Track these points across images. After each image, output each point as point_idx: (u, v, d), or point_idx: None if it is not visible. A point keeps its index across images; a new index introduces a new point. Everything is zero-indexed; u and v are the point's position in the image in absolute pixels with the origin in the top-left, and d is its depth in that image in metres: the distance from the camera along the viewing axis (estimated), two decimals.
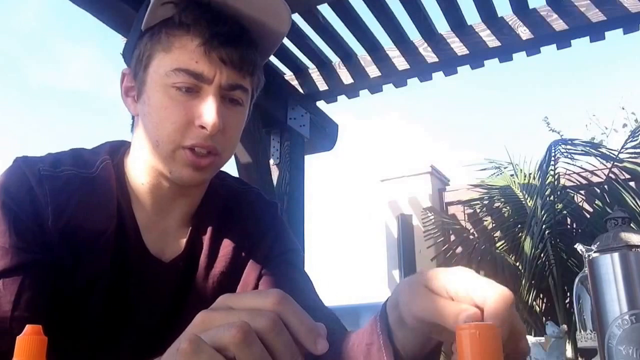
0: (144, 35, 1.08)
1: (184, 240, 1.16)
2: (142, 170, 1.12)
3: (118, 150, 1.18)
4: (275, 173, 3.61)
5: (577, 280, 2.24)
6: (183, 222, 1.17)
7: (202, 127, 1.02)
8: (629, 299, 0.44)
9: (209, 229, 1.18)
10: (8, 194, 1.02)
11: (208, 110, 1.02)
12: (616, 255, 0.43)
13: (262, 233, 1.23)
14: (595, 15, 3.17)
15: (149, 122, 1.07)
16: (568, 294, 3.68)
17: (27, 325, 0.60)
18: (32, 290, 0.98)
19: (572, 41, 3.44)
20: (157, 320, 1.13)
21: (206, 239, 1.17)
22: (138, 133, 1.12)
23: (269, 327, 0.59)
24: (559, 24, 3.26)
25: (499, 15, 3.38)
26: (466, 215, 5.07)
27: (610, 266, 0.46)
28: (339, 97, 4.02)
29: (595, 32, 3.33)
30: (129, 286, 1.09)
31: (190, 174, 1.06)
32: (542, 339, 2.70)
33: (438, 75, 3.79)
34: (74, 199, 1.05)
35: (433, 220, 4.75)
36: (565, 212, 4.14)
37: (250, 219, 1.24)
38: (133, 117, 1.17)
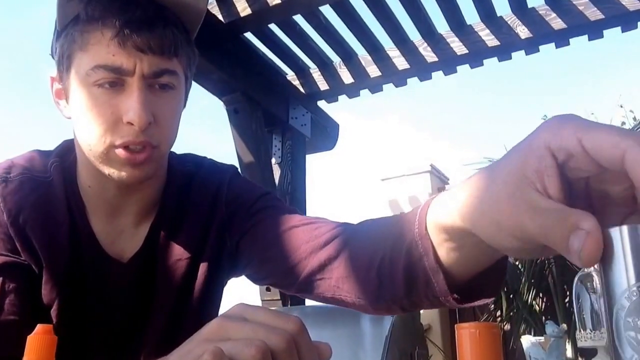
0: (60, 36, 1.03)
1: (142, 237, 1.12)
2: (86, 173, 1.08)
3: (70, 150, 1.13)
4: (277, 172, 3.62)
5: (576, 279, 2.24)
6: (139, 218, 1.13)
7: (131, 124, 0.96)
8: (637, 271, 0.45)
9: (167, 219, 1.14)
10: None
11: (133, 105, 0.96)
12: (625, 228, 0.43)
13: (215, 206, 1.16)
14: (594, 13, 3.17)
15: (79, 125, 1.02)
16: (568, 294, 3.68)
17: (38, 325, 0.60)
18: (13, 291, 0.98)
19: (570, 40, 3.44)
20: (125, 320, 1.11)
21: (164, 230, 1.13)
22: (76, 137, 1.07)
23: (284, 348, 0.59)
24: (557, 23, 3.26)
25: (498, 15, 3.38)
26: None
27: (619, 239, 0.46)
28: (339, 97, 4.02)
29: (594, 31, 3.33)
30: (89, 290, 1.08)
31: (130, 173, 1.00)
32: (542, 338, 2.71)
33: (438, 75, 3.79)
34: (27, 202, 1.04)
35: None
36: None
37: (202, 197, 1.18)
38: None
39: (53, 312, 1.04)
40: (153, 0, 1.00)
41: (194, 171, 1.21)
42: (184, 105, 1.14)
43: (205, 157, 1.28)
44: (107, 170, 1.00)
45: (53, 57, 1.09)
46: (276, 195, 1.25)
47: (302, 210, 3.63)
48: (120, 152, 0.98)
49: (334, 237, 1.01)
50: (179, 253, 1.13)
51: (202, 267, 1.14)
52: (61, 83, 1.06)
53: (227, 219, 1.15)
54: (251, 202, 1.15)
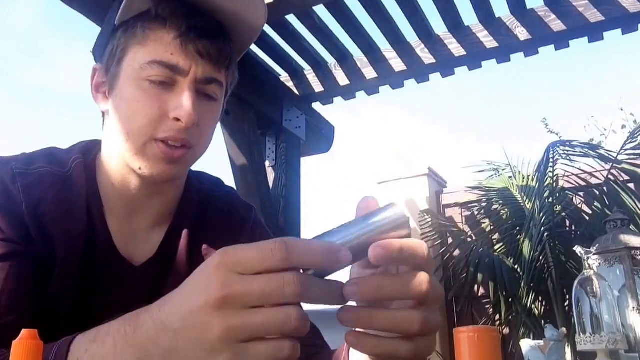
0: (117, 29, 1.07)
1: (157, 243, 1.15)
2: (112, 169, 1.11)
3: (91, 149, 1.16)
4: (271, 175, 3.60)
5: (576, 283, 2.22)
6: (156, 223, 1.16)
7: (177, 120, 1.01)
8: None
9: (184, 232, 1.17)
10: None
11: (184, 102, 1.01)
12: None
13: (237, 238, 1.20)
14: (594, 15, 3.17)
15: (120, 115, 1.06)
16: (567, 297, 3.66)
17: (22, 330, 0.58)
18: (18, 279, 0.97)
19: (570, 42, 3.43)
20: None
21: (181, 243, 1.16)
22: (108, 129, 1.11)
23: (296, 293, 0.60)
24: (557, 25, 3.25)
25: (497, 16, 3.38)
26: (464, 218, 5.06)
27: None
28: (335, 99, 4.01)
29: (594, 33, 3.32)
30: (99, 289, 1.08)
31: (162, 168, 1.04)
32: (541, 342, 2.68)
33: (435, 77, 3.78)
34: (48, 195, 1.05)
35: (430, 223, 4.73)
36: (564, 214, 4.12)
37: (225, 223, 1.23)
38: (103, 115, 1.15)
39: (60, 305, 1.04)
40: (216, 14, 1.07)
41: (211, 191, 1.27)
42: (218, 120, 1.20)
43: (221, 180, 1.34)
44: (140, 163, 1.04)
45: (95, 54, 1.16)
46: None
47: (297, 215, 3.61)
48: (159, 145, 1.02)
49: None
50: (194, 266, 1.14)
51: None
52: (106, 75, 1.10)
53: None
54: None
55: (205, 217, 1.21)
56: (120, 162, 1.08)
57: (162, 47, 1.02)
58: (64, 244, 1.04)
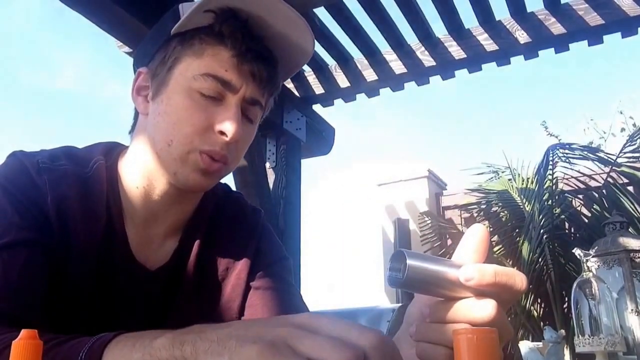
0: (172, 38, 1.10)
1: (170, 250, 1.16)
2: (138, 173, 1.12)
3: (112, 151, 1.17)
4: (271, 177, 3.60)
5: (575, 285, 2.23)
6: (172, 230, 1.17)
7: (222, 134, 1.04)
8: None
9: (197, 240, 1.18)
10: (9, 181, 1.03)
11: (231, 118, 1.04)
12: None
13: (246, 244, 1.23)
14: (594, 19, 3.17)
15: (164, 121, 1.07)
16: (566, 299, 3.66)
17: (22, 330, 0.58)
18: (35, 266, 0.98)
19: (570, 45, 3.43)
20: (142, 327, 1.11)
21: (194, 250, 1.17)
22: (142, 134, 1.13)
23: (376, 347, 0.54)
24: (557, 28, 3.25)
25: (497, 19, 3.38)
26: (463, 220, 5.06)
27: None
28: (335, 101, 4.01)
29: (594, 36, 3.32)
30: (113, 291, 1.09)
31: (198, 179, 1.06)
32: (540, 344, 2.69)
33: (435, 79, 3.78)
34: (71, 192, 1.06)
35: (430, 225, 4.73)
36: (563, 216, 4.13)
37: (235, 229, 1.24)
38: (135, 119, 1.18)
39: (75, 304, 1.05)
40: (269, 39, 1.10)
41: (222, 197, 1.27)
42: None
43: (229, 186, 1.35)
44: (176, 169, 1.06)
45: (138, 58, 1.18)
46: (290, 264, 1.33)
47: (297, 216, 3.61)
48: (203, 157, 1.04)
49: None
50: (203, 277, 1.17)
51: (225, 293, 1.18)
52: (153, 80, 1.11)
53: (253, 258, 1.22)
54: (273, 259, 1.25)
55: (216, 225, 1.23)
56: (151, 165, 1.10)
57: (218, 63, 1.05)
58: (82, 243, 1.05)
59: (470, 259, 0.69)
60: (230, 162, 1.09)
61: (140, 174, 1.11)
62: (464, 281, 0.64)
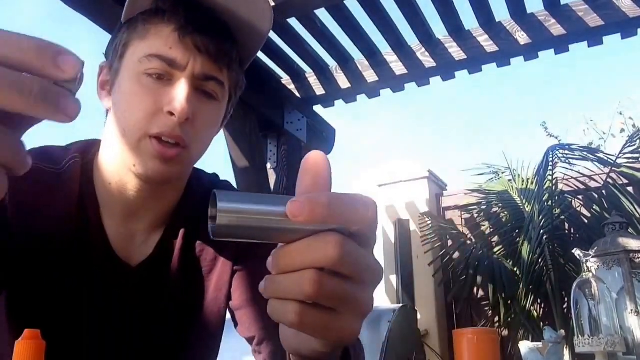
0: (122, 27, 1.07)
1: (154, 244, 1.13)
2: (110, 169, 1.08)
3: (90, 149, 1.14)
4: (272, 177, 3.61)
5: (575, 285, 2.23)
6: (155, 225, 1.14)
7: (171, 114, 0.98)
8: None
9: (181, 233, 1.15)
10: None
11: (177, 96, 0.98)
12: None
13: None
14: (593, 20, 3.18)
15: (117, 111, 1.04)
16: (566, 299, 3.67)
17: (25, 330, 0.59)
18: None
19: (570, 46, 3.44)
20: (122, 325, 1.11)
21: (177, 243, 1.14)
22: (108, 127, 1.08)
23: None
24: (557, 29, 3.26)
25: (497, 20, 3.38)
26: (463, 220, 5.06)
27: None
28: (336, 102, 4.01)
29: (593, 37, 3.33)
30: (94, 289, 1.07)
31: (156, 166, 1.00)
32: (540, 344, 2.69)
33: (436, 80, 3.79)
34: (34, 190, 1.03)
35: (430, 225, 4.73)
36: (563, 217, 4.13)
37: None
38: (107, 114, 1.13)
39: (51, 303, 1.04)
40: (219, 13, 1.04)
41: (209, 188, 1.18)
42: (220, 128, 1.16)
43: (218, 177, 1.30)
44: (134, 160, 1.01)
45: (106, 55, 1.12)
46: None
47: None
48: (152, 142, 0.99)
49: None
50: (190, 267, 1.15)
51: (211, 285, 1.16)
52: (109, 72, 1.08)
53: (237, 244, 1.16)
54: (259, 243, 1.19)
55: (202, 216, 1.15)
56: (118, 161, 1.05)
57: (161, 41, 1.00)
58: (48, 239, 1.03)
59: (305, 191, 0.55)
60: (189, 144, 1.02)
61: (111, 170, 1.07)
62: (291, 218, 0.51)
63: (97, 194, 1.10)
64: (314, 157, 0.56)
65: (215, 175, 1.29)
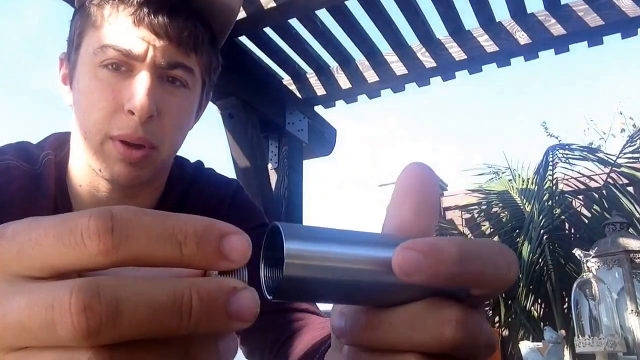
0: (77, 12, 0.96)
1: None
2: (79, 170, 0.99)
3: (64, 143, 1.04)
4: (273, 178, 3.60)
5: (575, 285, 2.24)
6: None
7: (131, 113, 0.88)
8: None
9: None
10: None
11: (136, 92, 0.87)
12: None
13: (220, 217, 1.10)
14: (593, 20, 3.17)
15: (77, 110, 0.94)
16: (566, 299, 3.67)
17: None
18: None
19: (570, 46, 3.44)
20: None
21: None
22: (73, 126, 0.98)
23: None
24: (557, 29, 3.26)
25: (497, 20, 3.38)
26: (464, 220, 5.07)
27: None
28: (337, 102, 4.01)
29: (594, 37, 3.33)
30: None
31: (124, 171, 0.91)
32: (540, 344, 2.70)
33: (436, 80, 3.79)
34: (12, 188, 0.95)
35: None
36: (563, 217, 4.14)
37: (203, 209, 1.08)
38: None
39: None
40: None
41: (191, 179, 1.13)
42: (197, 118, 1.06)
43: (202, 164, 1.20)
44: (99, 164, 0.92)
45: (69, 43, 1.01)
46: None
47: (299, 217, 3.62)
48: (116, 144, 0.89)
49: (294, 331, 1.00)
50: None
51: None
52: (68, 65, 0.98)
53: None
54: (244, 228, 1.10)
55: (185, 204, 1.09)
56: (85, 164, 0.96)
57: (115, 28, 0.89)
58: None
59: (409, 225, 0.39)
60: (157, 144, 0.92)
61: (81, 171, 0.99)
62: (400, 275, 0.35)
63: (70, 195, 1.02)
64: (418, 171, 0.43)
65: (199, 162, 1.19)
